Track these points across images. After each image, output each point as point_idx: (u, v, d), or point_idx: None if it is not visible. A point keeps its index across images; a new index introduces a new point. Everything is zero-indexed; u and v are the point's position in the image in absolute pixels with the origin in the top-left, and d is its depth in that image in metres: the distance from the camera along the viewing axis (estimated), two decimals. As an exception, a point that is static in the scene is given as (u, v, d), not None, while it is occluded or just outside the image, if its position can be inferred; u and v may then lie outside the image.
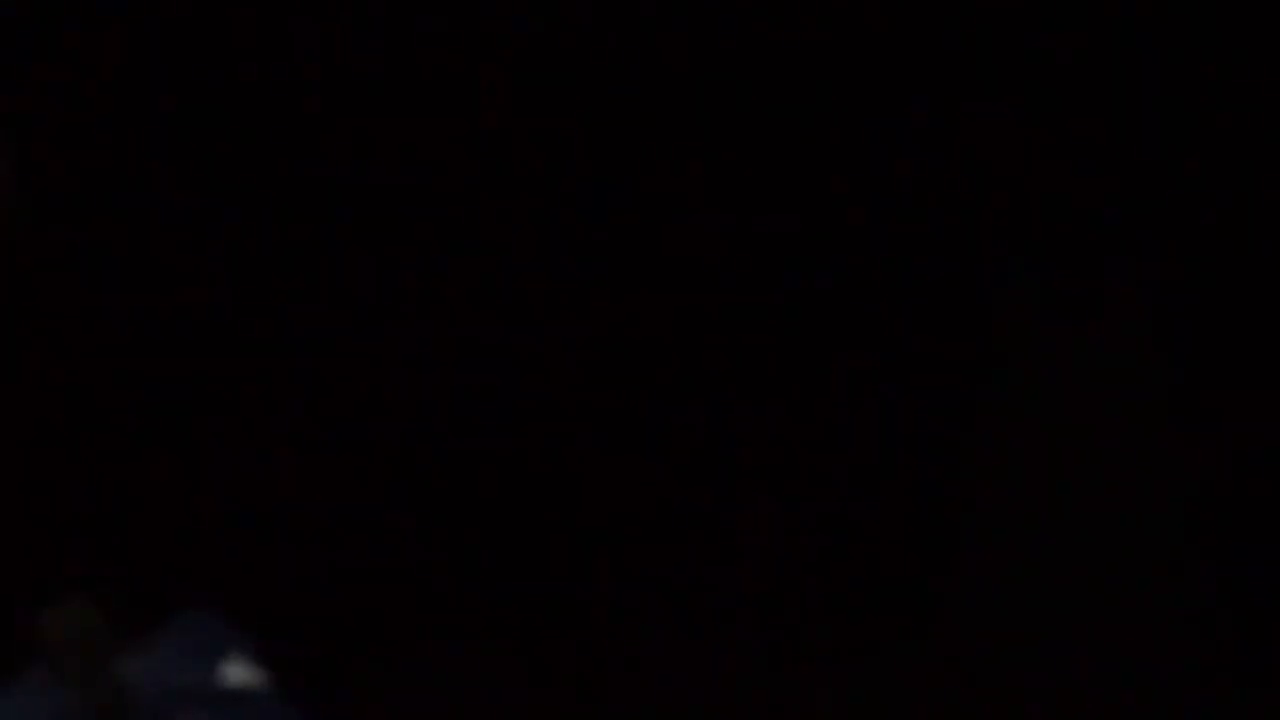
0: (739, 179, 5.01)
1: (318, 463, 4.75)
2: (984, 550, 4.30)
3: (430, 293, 4.26)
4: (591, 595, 4.52)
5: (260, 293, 4.15)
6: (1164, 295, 3.81)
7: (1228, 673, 3.47)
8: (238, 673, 0.72)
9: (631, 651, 4.12)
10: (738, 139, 4.73)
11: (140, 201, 4.69)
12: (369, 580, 4.69)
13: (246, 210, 4.45)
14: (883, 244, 4.20)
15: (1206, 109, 3.65)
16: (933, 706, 3.70)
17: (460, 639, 4.30)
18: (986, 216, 4.35)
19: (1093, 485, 3.95)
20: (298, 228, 4.47)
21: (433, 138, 4.25)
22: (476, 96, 4.08)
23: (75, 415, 4.78)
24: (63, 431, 4.48)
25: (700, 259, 4.96)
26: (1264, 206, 3.61)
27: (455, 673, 4.26)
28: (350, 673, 3.77)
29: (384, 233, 4.42)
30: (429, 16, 4.25)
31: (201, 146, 4.24)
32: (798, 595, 4.34)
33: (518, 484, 4.88)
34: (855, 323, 4.51)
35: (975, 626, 4.00)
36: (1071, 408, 4.11)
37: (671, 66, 4.35)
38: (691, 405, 4.98)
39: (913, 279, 4.69)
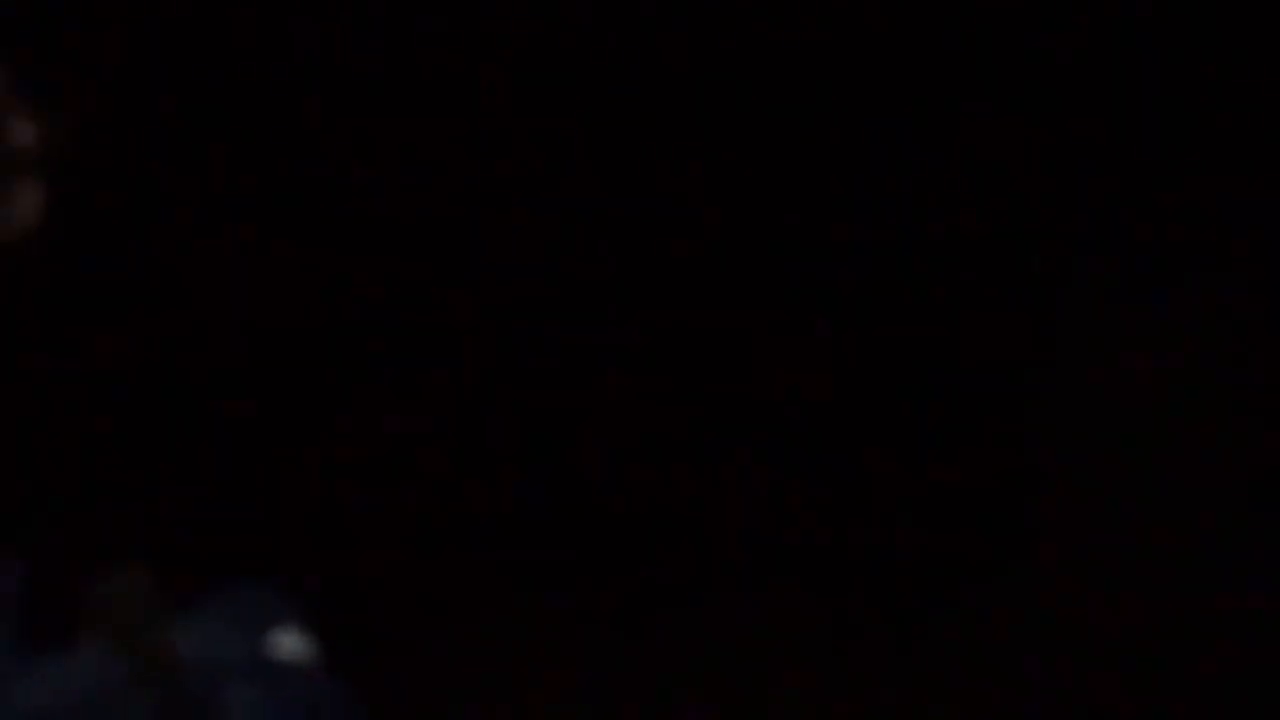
0: (812, 180, 5.03)
1: (367, 438, 4.82)
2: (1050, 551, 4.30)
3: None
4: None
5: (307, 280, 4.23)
6: (1230, 294, 3.80)
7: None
8: (287, 644, 0.73)
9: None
10: (817, 141, 4.76)
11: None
12: (417, 554, 4.73)
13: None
14: (952, 238, 4.22)
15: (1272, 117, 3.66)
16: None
17: (505, 615, 4.35)
18: (1054, 215, 4.36)
19: (1155, 485, 3.95)
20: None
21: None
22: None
23: (127, 389, 4.85)
24: (113, 406, 4.55)
25: (768, 251, 5.00)
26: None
27: (502, 648, 4.31)
28: (398, 647, 3.82)
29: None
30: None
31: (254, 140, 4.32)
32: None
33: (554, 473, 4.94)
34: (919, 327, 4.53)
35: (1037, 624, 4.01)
36: (1132, 409, 4.11)
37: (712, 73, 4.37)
38: (759, 409, 5.02)
39: (970, 275, 4.71)
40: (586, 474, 4.47)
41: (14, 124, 0.72)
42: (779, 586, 4.13)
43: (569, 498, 4.71)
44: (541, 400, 4.30)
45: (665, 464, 4.32)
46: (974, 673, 3.80)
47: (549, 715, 4.21)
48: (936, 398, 4.01)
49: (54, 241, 0.77)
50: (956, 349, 4.04)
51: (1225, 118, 3.68)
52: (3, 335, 0.75)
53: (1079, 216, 3.90)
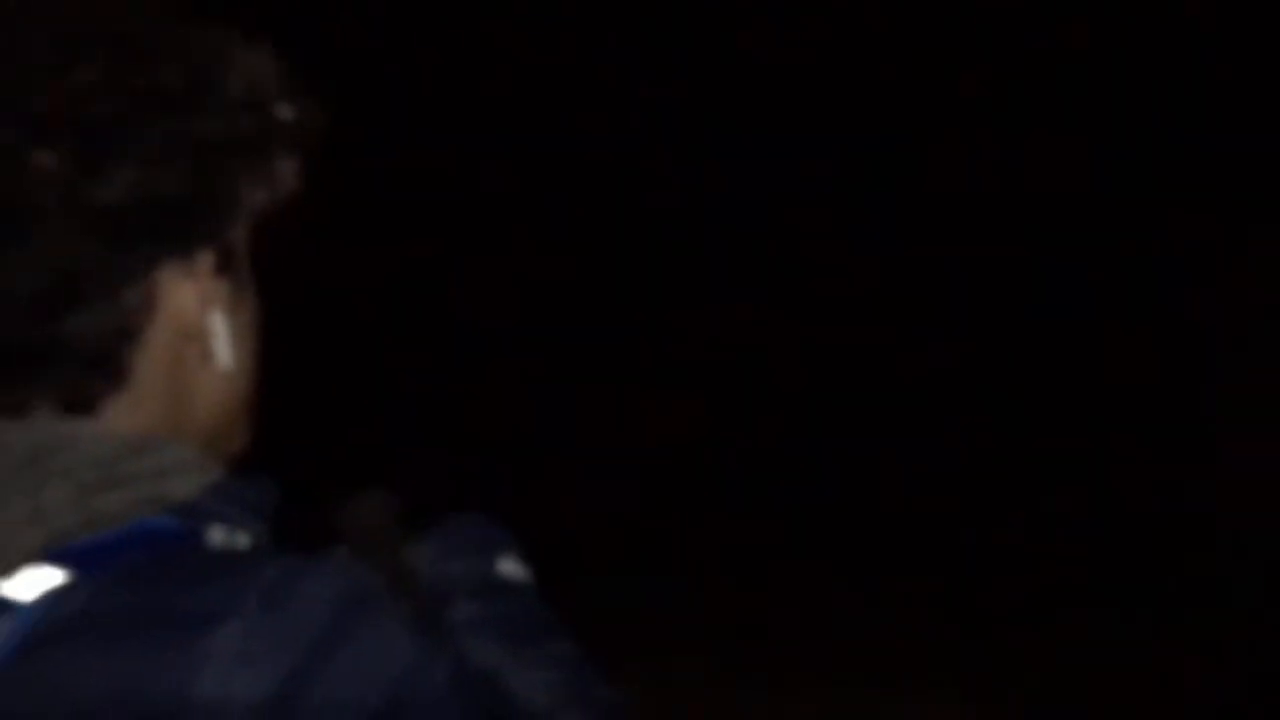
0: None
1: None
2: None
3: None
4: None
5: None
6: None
7: None
8: (506, 567, 0.81)
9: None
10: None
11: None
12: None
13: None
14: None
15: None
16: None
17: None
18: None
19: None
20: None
21: None
22: None
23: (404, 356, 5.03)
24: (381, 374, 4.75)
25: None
26: None
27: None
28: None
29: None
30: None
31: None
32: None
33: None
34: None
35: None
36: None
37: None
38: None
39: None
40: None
41: (275, 104, 0.77)
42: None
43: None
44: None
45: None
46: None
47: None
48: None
49: (308, 208, 0.81)
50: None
51: None
52: (267, 291, 0.80)
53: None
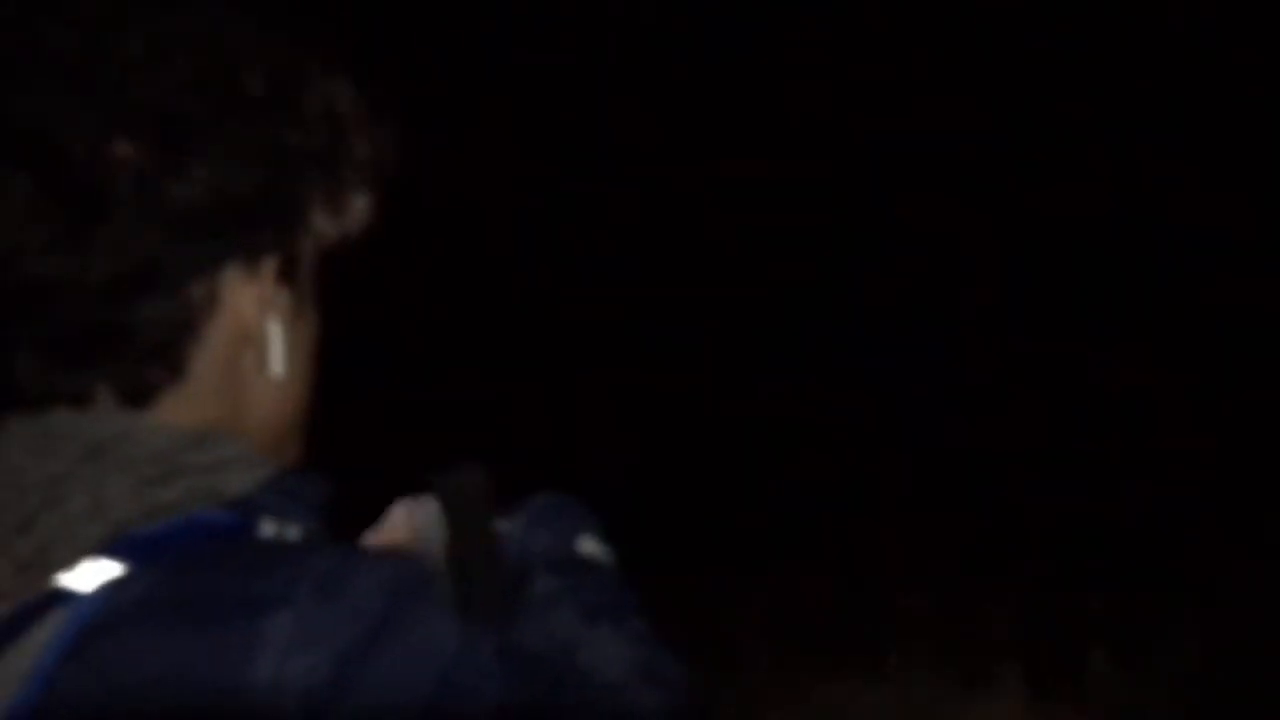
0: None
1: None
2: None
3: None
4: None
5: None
6: None
7: None
8: (588, 545, 0.85)
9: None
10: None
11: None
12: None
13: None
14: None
15: None
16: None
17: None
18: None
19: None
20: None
21: None
22: None
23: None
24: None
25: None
26: None
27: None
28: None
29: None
30: None
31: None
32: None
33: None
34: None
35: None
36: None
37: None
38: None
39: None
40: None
41: (354, 140, 0.81)
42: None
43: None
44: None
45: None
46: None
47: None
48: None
49: (380, 242, 0.84)
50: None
51: None
52: (339, 317, 0.83)
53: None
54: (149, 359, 0.76)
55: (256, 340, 0.79)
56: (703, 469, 5.62)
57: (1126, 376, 5.64)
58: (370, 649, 0.70)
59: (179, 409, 0.77)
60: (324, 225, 0.81)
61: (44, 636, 0.71)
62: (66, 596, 0.72)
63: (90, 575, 0.72)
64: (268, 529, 0.75)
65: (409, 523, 0.86)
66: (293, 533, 0.76)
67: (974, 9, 5.62)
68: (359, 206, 0.82)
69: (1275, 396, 5.20)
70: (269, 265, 0.79)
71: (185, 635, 0.70)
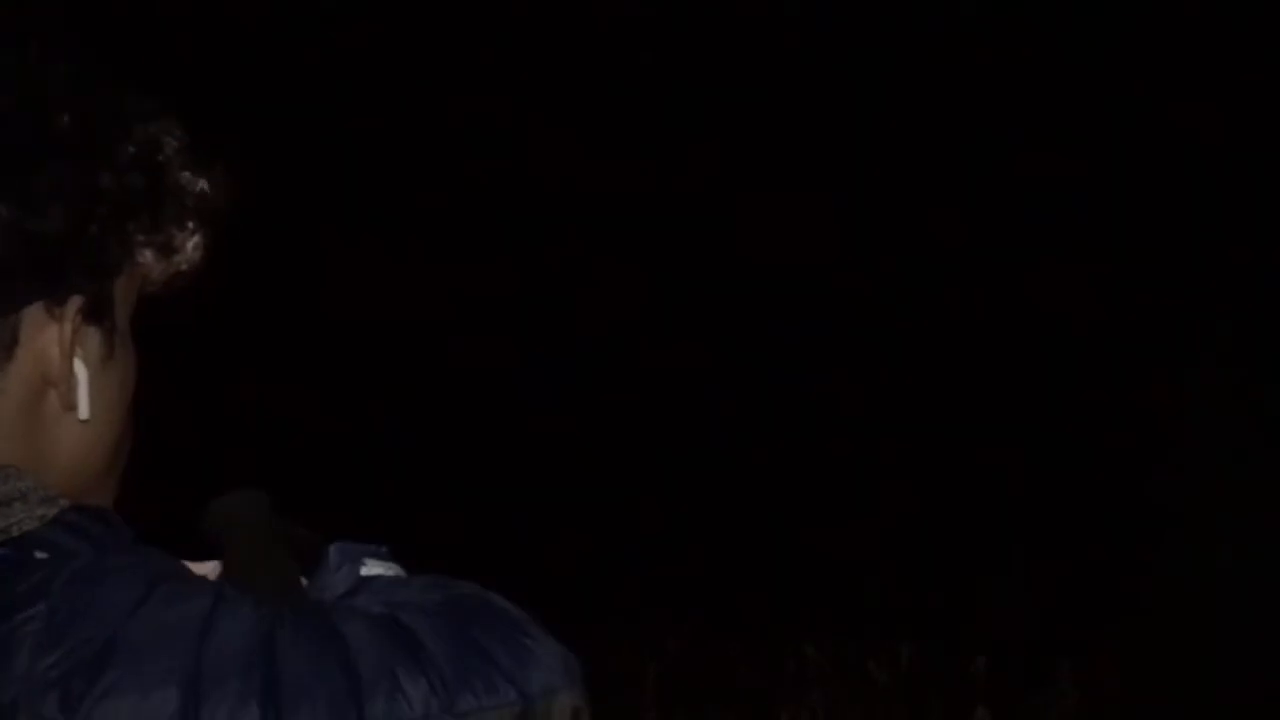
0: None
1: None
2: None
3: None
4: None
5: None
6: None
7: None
8: (375, 566, 0.81)
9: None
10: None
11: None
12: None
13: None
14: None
15: None
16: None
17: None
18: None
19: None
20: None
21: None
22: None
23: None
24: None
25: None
26: None
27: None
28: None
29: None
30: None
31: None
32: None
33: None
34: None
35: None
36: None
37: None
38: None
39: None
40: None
41: (185, 178, 0.81)
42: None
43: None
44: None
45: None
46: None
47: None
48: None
49: (212, 278, 0.84)
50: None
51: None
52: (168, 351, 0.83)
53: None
54: None
55: (60, 381, 0.78)
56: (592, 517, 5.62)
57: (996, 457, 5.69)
58: (129, 621, 0.70)
59: None
60: (151, 265, 0.81)
61: None
62: None
63: None
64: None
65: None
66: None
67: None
68: (190, 245, 0.82)
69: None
70: (74, 306, 0.77)
71: None
